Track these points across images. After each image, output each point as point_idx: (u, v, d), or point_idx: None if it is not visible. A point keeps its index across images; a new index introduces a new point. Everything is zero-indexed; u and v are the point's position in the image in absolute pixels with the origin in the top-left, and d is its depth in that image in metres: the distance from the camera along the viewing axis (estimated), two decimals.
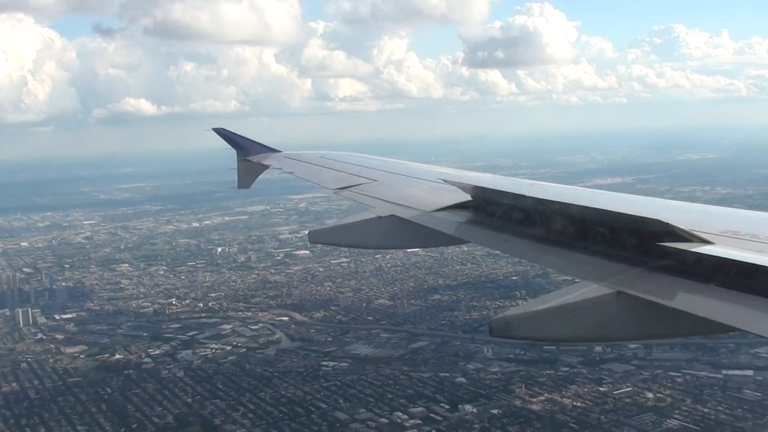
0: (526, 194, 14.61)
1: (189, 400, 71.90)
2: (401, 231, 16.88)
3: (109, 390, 75.69)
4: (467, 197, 15.83)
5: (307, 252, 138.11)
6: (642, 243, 10.82)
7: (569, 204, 13.02)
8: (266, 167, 31.88)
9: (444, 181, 17.68)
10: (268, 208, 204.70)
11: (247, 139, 34.25)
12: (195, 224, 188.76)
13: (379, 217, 17.19)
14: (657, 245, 10.39)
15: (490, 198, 15.24)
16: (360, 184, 22.01)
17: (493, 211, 14.83)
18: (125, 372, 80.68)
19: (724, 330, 9.30)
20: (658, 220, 10.36)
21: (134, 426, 66.84)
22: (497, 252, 13.00)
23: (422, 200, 17.83)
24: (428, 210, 16.58)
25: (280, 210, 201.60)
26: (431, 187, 19.76)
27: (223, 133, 34.38)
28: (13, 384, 79.02)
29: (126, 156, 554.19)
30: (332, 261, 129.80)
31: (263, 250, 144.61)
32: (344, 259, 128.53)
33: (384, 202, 18.59)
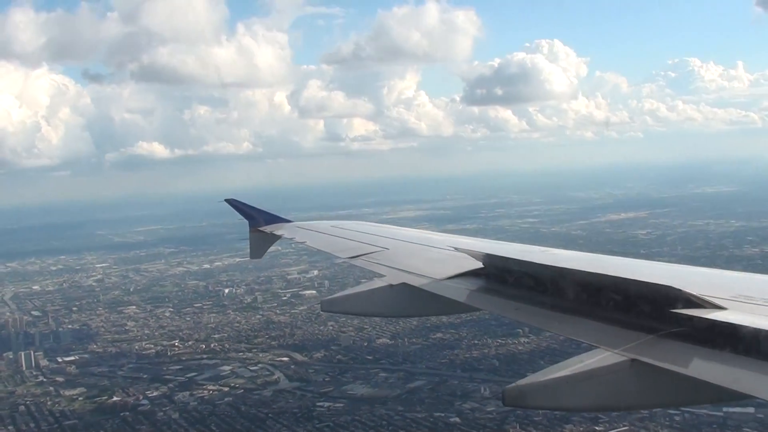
0: (537, 261, 14.66)
1: None
2: (412, 299, 16.68)
3: None
4: (479, 264, 15.70)
5: (314, 292, 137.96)
6: (654, 310, 10.63)
7: (580, 271, 12.80)
8: (278, 237, 32.22)
9: (455, 248, 17.70)
10: (279, 248, 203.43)
11: (258, 209, 34.58)
12: (206, 266, 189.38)
13: (391, 285, 16.98)
14: (670, 312, 10.24)
15: (502, 265, 15.15)
16: (371, 252, 21.74)
17: (504, 279, 14.72)
18: (121, 414, 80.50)
19: (740, 397, 9.10)
20: (670, 286, 10.26)
21: None
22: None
23: (433, 268, 17.64)
24: (439, 278, 16.39)
25: (291, 250, 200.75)
26: (442, 254, 19.62)
27: (235, 204, 34.75)
28: (10, 427, 79.05)
29: (142, 198, 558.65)
30: None
31: (270, 291, 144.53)
32: None
33: (395, 270, 18.37)
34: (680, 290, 10.14)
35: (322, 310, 21.70)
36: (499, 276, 14.96)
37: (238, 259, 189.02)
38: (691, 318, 9.96)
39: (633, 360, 9.61)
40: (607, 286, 11.81)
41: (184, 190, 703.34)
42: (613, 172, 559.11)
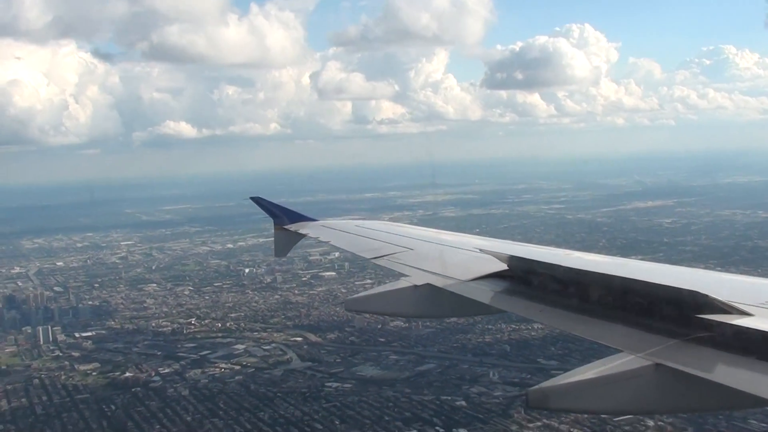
0: (562, 264, 14.64)
1: (189, 418, 72.22)
2: (437, 300, 16.76)
3: (113, 407, 76.40)
4: (503, 266, 15.68)
5: (333, 273, 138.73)
6: (680, 315, 10.68)
7: (606, 274, 13.04)
8: (303, 236, 32.37)
9: (480, 250, 17.60)
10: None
11: (283, 207, 34.68)
12: (229, 245, 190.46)
13: (415, 285, 17.02)
14: (695, 317, 10.29)
15: (526, 268, 15.17)
16: (396, 253, 21.67)
17: (529, 281, 14.79)
18: (133, 390, 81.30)
19: (765, 404, 9.05)
20: (696, 291, 10.27)
21: None
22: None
23: (458, 269, 17.67)
24: (464, 279, 16.46)
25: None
26: (467, 256, 19.58)
27: (260, 202, 34.92)
28: (23, 399, 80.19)
29: (171, 178, 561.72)
30: (356, 282, 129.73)
31: (291, 271, 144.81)
32: (368, 281, 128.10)
33: (419, 271, 18.33)
34: (706, 296, 10.13)
35: (346, 310, 22.01)
36: (523, 278, 15.01)
37: (261, 240, 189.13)
38: (717, 324, 9.98)
39: (657, 364, 9.66)
40: (632, 290, 11.89)
41: (214, 169, 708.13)
42: (643, 159, 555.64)
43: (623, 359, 9.90)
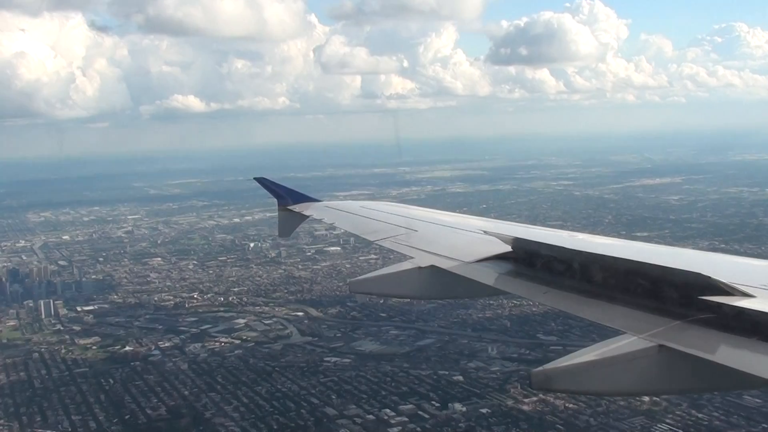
0: (566, 246, 14.51)
1: (186, 392, 72.30)
2: (441, 281, 16.48)
3: (111, 381, 76.48)
4: (507, 248, 15.50)
5: (338, 249, 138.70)
6: (683, 296, 10.59)
7: (609, 256, 12.91)
8: (307, 217, 32.39)
9: (484, 232, 17.54)
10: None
11: (288, 188, 34.58)
12: (236, 220, 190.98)
13: (419, 267, 16.72)
14: (698, 299, 10.19)
15: (530, 249, 15.04)
16: (400, 234, 21.31)
17: (533, 263, 14.68)
18: (132, 364, 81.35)
19: (767, 384, 8.97)
20: (699, 273, 10.21)
21: (127, 417, 67.25)
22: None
23: (462, 251, 17.39)
24: (468, 261, 16.25)
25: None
26: (471, 238, 19.29)
27: (264, 183, 34.86)
28: (21, 373, 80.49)
29: (180, 152, 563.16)
30: (360, 257, 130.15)
31: (295, 246, 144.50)
32: (373, 256, 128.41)
33: (424, 253, 17.98)
34: (709, 277, 10.03)
35: (350, 291, 21.98)
36: (527, 260, 14.90)
37: (268, 214, 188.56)
38: (720, 305, 9.89)
39: (660, 346, 9.56)
40: (635, 272, 11.83)
41: (223, 144, 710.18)
42: (653, 137, 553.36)
43: (626, 340, 9.81)
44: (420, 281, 16.54)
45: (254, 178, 34.67)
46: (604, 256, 12.87)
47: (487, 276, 15.27)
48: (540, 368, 9.72)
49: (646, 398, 64.52)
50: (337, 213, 30.50)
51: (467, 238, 19.43)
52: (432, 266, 16.46)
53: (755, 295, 10.15)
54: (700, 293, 10.08)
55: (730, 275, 10.82)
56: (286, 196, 33.16)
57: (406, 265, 16.83)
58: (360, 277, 20.65)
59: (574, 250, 13.80)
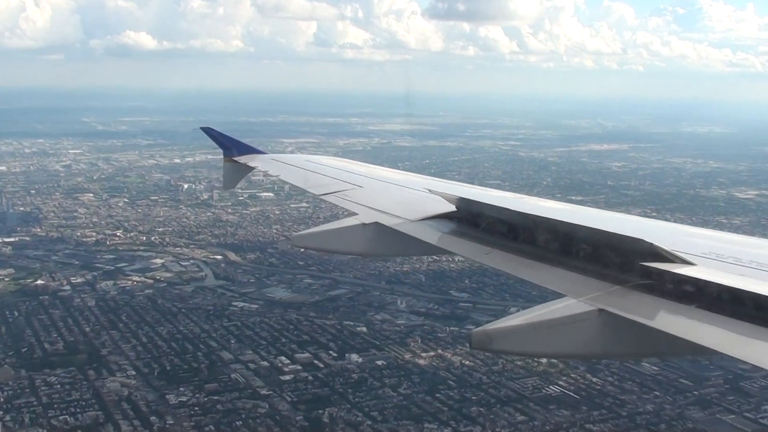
0: (511, 208, 14.55)
1: (88, 329, 71.66)
2: (384, 239, 16.88)
3: (16, 313, 75.63)
4: (452, 208, 15.75)
5: (272, 194, 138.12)
6: (625, 262, 10.79)
7: (553, 220, 12.95)
8: (252, 169, 32.32)
9: (429, 191, 17.79)
10: (258, 148, 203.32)
11: (234, 139, 35.01)
12: (176, 160, 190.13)
13: (363, 224, 17.17)
14: (640, 265, 10.40)
15: (475, 210, 15.30)
16: (345, 190, 22.00)
17: (476, 223, 14.92)
18: (40, 297, 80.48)
19: (704, 352, 9.14)
20: (642, 239, 10.40)
21: (23, 350, 66.61)
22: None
23: (407, 209, 17.76)
24: (412, 219, 16.54)
25: (267, 151, 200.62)
26: (416, 196, 19.91)
27: (210, 133, 35.01)
28: None
29: (135, 90, 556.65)
30: (291, 205, 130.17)
31: (230, 190, 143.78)
32: (304, 204, 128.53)
33: (368, 209, 18.49)
34: (651, 243, 10.23)
35: (293, 245, 22.07)
36: (471, 220, 15.17)
37: (210, 156, 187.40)
38: (660, 272, 10.09)
39: (600, 309, 9.71)
40: (578, 236, 12.02)
41: (179, 85, 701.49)
42: (611, 103, 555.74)
43: (567, 302, 9.99)
44: (363, 238, 17.17)
45: (201, 128, 34.63)
46: (548, 219, 12.99)
47: (431, 235, 15.70)
48: (480, 328, 10.07)
49: (544, 360, 65.08)
50: (282, 166, 30.98)
51: (412, 197, 20.23)
52: (376, 223, 17.03)
53: (696, 263, 10.43)
54: (642, 259, 10.31)
55: (672, 242, 11.22)
56: (232, 147, 33.26)
57: (350, 221, 17.63)
58: (303, 232, 20.97)
59: (518, 212, 14.02)
